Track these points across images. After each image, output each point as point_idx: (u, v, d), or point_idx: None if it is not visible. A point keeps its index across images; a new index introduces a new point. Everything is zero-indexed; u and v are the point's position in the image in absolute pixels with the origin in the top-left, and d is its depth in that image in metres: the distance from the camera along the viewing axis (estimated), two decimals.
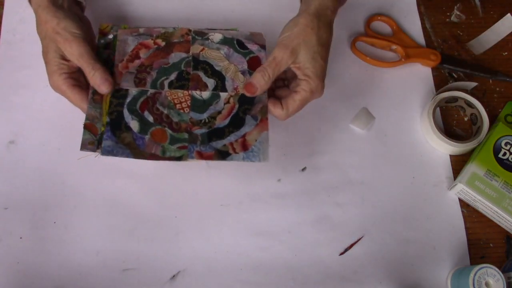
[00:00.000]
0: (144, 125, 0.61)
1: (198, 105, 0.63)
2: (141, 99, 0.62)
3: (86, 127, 0.60)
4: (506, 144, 0.68)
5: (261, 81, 0.61)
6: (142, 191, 0.66)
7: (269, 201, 0.66)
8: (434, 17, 0.79)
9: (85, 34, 0.61)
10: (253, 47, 0.66)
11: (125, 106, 0.62)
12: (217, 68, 0.65)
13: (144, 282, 0.62)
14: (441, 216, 0.67)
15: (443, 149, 0.70)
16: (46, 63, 0.61)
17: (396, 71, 0.74)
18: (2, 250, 0.62)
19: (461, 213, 0.68)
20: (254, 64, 0.65)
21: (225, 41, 0.66)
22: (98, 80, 0.59)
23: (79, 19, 0.63)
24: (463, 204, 0.68)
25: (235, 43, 0.66)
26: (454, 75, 0.72)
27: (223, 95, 0.63)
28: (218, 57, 0.65)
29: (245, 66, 0.65)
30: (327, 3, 0.63)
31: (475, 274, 0.59)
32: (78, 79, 0.61)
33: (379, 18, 0.78)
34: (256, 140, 0.61)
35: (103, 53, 0.64)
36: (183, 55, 0.65)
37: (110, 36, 0.65)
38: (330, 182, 0.68)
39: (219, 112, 0.62)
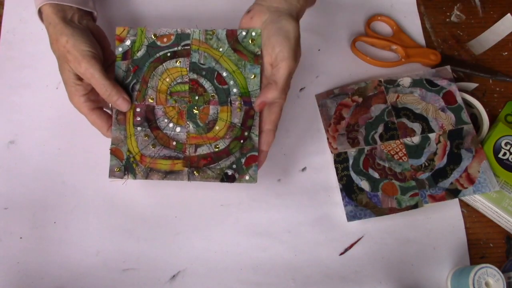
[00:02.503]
0: (373, 183, 0.65)
1: (413, 151, 0.66)
2: (362, 158, 0.66)
3: (112, 152, 0.60)
4: (506, 144, 0.68)
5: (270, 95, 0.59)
6: (142, 191, 0.66)
7: (269, 201, 0.66)
8: (434, 17, 0.79)
9: (95, 49, 0.59)
10: (442, 82, 0.69)
11: (351, 168, 0.66)
12: (417, 111, 0.68)
13: (144, 282, 0.62)
14: (441, 216, 0.67)
15: None
16: (64, 82, 0.60)
17: (396, 71, 0.74)
18: (2, 250, 0.62)
19: (461, 213, 0.68)
20: (449, 99, 0.68)
21: (415, 83, 0.70)
22: (114, 99, 0.59)
23: (90, 32, 0.61)
24: (463, 204, 0.68)
25: (425, 83, 0.70)
26: (454, 75, 0.72)
27: (432, 135, 0.67)
28: (414, 101, 0.68)
29: (442, 103, 0.68)
30: None
31: (475, 274, 0.59)
32: (97, 100, 0.61)
33: (379, 18, 0.77)
34: (479, 172, 0.65)
35: (121, 65, 0.61)
36: (382, 106, 0.68)
37: (127, 43, 0.62)
38: (330, 182, 0.68)
39: (435, 153, 0.66)
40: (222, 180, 0.59)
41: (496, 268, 0.59)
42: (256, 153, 0.60)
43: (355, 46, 0.74)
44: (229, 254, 0.64)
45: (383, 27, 0.78)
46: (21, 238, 0.63)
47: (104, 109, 0.62)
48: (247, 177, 0.59)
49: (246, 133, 0.60)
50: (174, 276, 0.63)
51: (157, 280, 0.62)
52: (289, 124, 0.70)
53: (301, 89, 0.72)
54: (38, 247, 0.63)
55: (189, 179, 0.59)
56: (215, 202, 0.66)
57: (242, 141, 0.60)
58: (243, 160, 0.60)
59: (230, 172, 0.59)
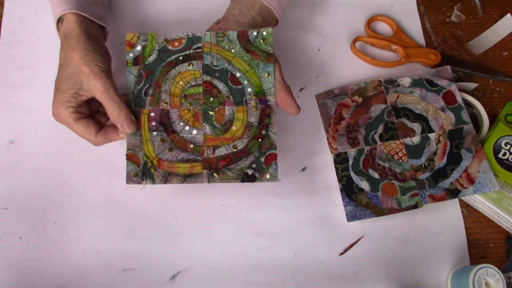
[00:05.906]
0: (373, 183, 0.65)
1: (413, 151, 0.66)
2: (361, 159, 0.66)
3: (128, 158, 0.59)
4: (506, 144, 0.68)
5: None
6: (142, 191, 0.66)
7: (269, 201, 0.66)
8: (434, 17, 0.79)
9: (109, 68, 0.59)
10: (442, 82, 0.69)
11: (350, 169, 0.66)
12: (417, 111, 0.68)
13: (144, 282, 0.62)
14: (441, 216, 0.67)
15: None
16: (57, 90, 0.59)
17: (396, 71, 0.74)
18: (2, 250, 0.62)
19: (461, 213, 0.68)
20: (449, 99, 0.68)
21: (415, 83, 0.70)
22: (122, 120, 0.58)
23: (104, 51, 0.62)
24: (463, 204, 0.68)
25: (425, 83, 0.70)
26: (454, 75, 0.72)
27: (432, 135, 0.67)
28: (414, 101, 0.68)
29: (442, 103, 0.68)
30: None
31: (475, 274, 0.59)
32: (82, 112, 0.60)
33: (379, 18, 0.77)
34: (479, 172, 0.65)
35: (133, 70, 0.61)
36: (382, 106, 0.68)
37: (138, 48, 0.62)
38: (330, 182, 0.68)
39: (435, 153, 0.66)
40: (242, 180, 0.59)
41: (496, 268, 0.59)
42: (275, 151, 0.60)
43: (355, 46, 0.74)
44: (229, 254, 0.64)
45: (383, 27, 0.78)
46: (21, 238, 0.63)
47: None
48: (267, 176, 0.59)
49: (263, 132, 0.60)
50: (174, 276, 0.63)
51: (157, 280, 0.62)
52: (289, 124, 0.70)
53: (301, 89, 0.72)
54: (38, 247, 0.63)
55: (209, 181, 0.59)
56: (215, 202, 0.66)
57: (260, 140, 0.60)
58: (262, 159, 0.59)
59: (250, 172, 0.59)
